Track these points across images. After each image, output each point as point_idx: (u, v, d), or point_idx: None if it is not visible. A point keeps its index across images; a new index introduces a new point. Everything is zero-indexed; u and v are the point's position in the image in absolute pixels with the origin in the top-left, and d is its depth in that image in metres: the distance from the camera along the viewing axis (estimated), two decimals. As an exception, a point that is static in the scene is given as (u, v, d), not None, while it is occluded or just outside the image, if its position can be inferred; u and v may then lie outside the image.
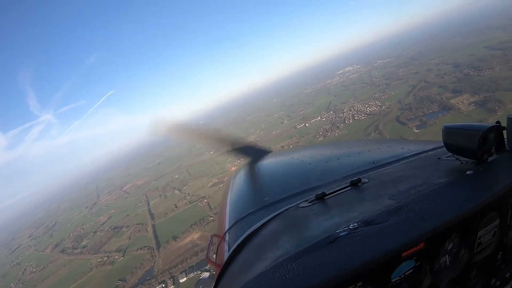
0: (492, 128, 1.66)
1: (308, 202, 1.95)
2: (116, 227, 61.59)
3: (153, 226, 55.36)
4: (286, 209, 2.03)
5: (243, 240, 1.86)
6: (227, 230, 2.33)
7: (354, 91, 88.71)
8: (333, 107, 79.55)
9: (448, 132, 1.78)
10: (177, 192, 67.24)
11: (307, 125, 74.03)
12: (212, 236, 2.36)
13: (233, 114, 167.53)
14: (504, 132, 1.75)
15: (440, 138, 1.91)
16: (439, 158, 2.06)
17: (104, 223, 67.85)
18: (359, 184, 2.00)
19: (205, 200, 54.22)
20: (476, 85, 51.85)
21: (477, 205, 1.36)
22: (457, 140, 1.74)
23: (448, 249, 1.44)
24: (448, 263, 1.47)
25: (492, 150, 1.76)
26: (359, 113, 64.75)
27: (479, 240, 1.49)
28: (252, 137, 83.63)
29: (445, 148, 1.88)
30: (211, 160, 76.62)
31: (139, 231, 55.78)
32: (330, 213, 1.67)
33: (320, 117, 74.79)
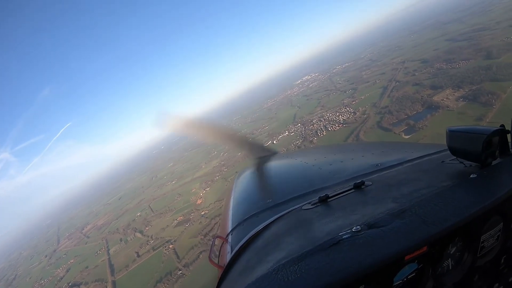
0: (496, 132, 1.65)
1: (311, 205, 1.98)
2: (74, 285, 51.43)
3: (113, 283, 46.05)
4: (289, 211, 2.05)
5: (245, 241, 1.89)
6: (230, 231, 2.35)
7: (318, 99, 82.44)
8: (300, 119, 72.71)
9: (452, 135, 1.77)
10: (138, 235, 58.00)
11: (275, 142, 65.24)
12: (215, 237, 2.41)
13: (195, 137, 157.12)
14: (508, 135, 1.75)
15: (439, 141, 2.08)
16: (443, 162, 2.06)
17: (61, 278, 57.42)
18: (363, 187, 2.00)
19: (170, 246, 45.78)
20: (456, 78, 46.65)
21: (480, 209, 1.37)
22: (461, 144, 1.74)
23: (451, 253, 1.45)
24: (451, 267, 1.48)
25: (496, 154, 1.75)
26: (331, 123, 57.26)
27: (482, 244, 1.49)
28: (216, 162, 75.98)
29: (449, 152, 1.87)
30: (174, 191, 70.77)
31: (98, 290, 45.66)
32: (333, 216, 1.70)
33: (288, 132, 67.08)
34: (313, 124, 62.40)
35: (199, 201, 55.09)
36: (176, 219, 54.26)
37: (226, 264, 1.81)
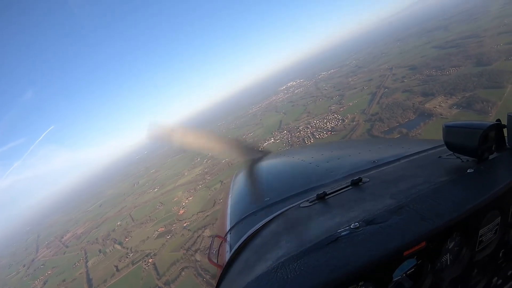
0: (492, 126, 1.67)
1: (309, 202, 1.97)
2: (50, 301, 48.65)
3: (91, 301, 43.39)
4: (287, 209, 2.05)
5: (244, 240, 1.90)
6: (228, 230, 2.35)
7: (304, 106, 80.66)
8: (286, 125, 70.46)
9: (449, 130, 1.79)
10: (118, 247, 55.46)
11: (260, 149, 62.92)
12: (213, 237, 2.41)
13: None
14: (505, 130, 1.75)
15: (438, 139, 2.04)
16: (440, 157, 2.07)
17: (38, 292, 54.94)
18: (360, 183, 2.01)
19: (150, 260, 43.57)
20: (447, 85, 45.27)
21: (478, 203, 1.38)
22: (458, 139, 1.76)
23: (450, 247, 1.46)
24: (449, 262, 1.49)
25: (493, 148, 1.77)
26: (318, 130, 54.90)
27: (480, 239, 1.50)
28: (199, 169, 74.10)
29: (445, 147, 1.88)
30: (156, 200, 68.61)
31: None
32: (331, 213, 1.71)
33: (274, 139, 64.41)
34: (299, 131, 60.15)
35: (181, 211, 53.25)
36: (157, 230, 51.79)
37: (225, 263, 1.81)
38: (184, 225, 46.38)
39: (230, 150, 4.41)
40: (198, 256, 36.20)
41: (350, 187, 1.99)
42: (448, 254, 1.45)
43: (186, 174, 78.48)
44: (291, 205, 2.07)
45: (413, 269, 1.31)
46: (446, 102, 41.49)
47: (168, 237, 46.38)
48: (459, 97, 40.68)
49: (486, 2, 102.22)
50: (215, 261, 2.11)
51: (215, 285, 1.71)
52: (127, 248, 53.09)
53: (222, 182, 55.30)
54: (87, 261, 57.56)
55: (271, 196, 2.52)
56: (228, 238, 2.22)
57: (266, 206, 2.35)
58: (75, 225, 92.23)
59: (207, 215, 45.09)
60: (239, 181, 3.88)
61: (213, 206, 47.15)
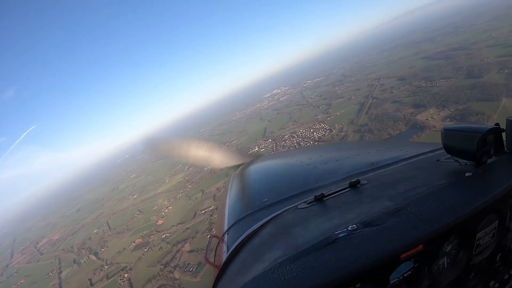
0: (491, 130, 1.66)
1: (307, 204, 1.96)
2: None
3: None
4: (285, 210, 2.04)
5: (241, 241, 1.90)
6: (226, 231, 2.35)
7: (290, 114, 78.34)
8: (271, 134, 67.80)
9: (447, 134, 1.78)
10: (93, 257, 52.25)
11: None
12: (211, 237, 2.39)
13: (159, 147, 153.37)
14: (503, 134, 1.75)
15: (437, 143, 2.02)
16: (438, 160, 2.07)
17: (9, 303, 52.10)
18: (358, 185, 2.01)
19: (125, 275, 40.55)
20: (439, 97, 43.97)
21: (476, 207, 1.39)
22: (456, 142, 1.75)
23: (447, 251, 1.46)
24: (446, 265, 1.49)
25: (491, 152, 1.75)
26: (305, 139, 52.41)
27: (478, 242, 1.50)
28: (180, 176, 71.71)
29: (444, 150, 1.87)
30: (134, 207, 65.08)
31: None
32: (328, 215, 1.71)
33: (258, 147, 61.51)
34: (285, 140, 57.50)
35: (160, 222, 50.71)
36: (134, 242, 48.62)
37: (222, 263, 1.81)
38: (163, 237, 43.99)
39: (229, 159, 4.55)
40: (177, 274, 33.63)
41: (348, 189, 1.98)
42: (445, 257, 1.46)
43: (167, 181, 75.84)
44: (289, 206, 2.05)
45: (410, 272, 1.31)
46: (439, 114, 39.99)
47: (145, 249, 43.53)
48: (452, 110, 39.36)
49: (471, 17, 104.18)
50: (212, 261, 2.10)
51: (212, 285, 1.68)
52: (103, 260, 49.77)
53: (203, 191, 53.44)
54: (60, 272, 54.29)
55: (269, 197, 2.49)
56: (226, 239, 2.20)
57: (264, 207, 2.34)
58: (52, 230, 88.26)
59: (187, 228, 42.89)
60: (237, 182, 3.75)
61: (194, 217, 45.17)
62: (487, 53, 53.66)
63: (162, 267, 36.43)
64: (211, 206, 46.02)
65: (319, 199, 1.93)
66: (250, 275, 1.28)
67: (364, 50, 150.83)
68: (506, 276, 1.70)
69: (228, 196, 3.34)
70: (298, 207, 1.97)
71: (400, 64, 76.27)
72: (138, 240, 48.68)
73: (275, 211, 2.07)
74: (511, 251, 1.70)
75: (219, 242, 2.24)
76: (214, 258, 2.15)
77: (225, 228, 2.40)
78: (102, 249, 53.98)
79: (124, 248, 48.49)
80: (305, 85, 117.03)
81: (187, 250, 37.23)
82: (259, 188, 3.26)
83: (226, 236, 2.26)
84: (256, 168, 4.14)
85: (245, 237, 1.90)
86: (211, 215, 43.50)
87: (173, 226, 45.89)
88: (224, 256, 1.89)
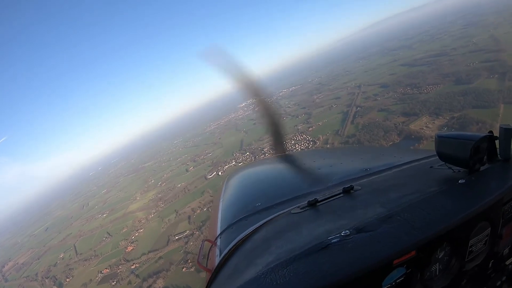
0: (484, 138, 1.67)
1: (300, 209, 1.97)
2: None
3: None
4: (278, 215, 2.04)
5: (234, 245, 1.90)
6: (219, 235, 2.34)
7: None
8: (248, 146, 63.78)
9: (441, 141, 1.80)
10: None
11: (220, 173, 55.24)
12: (203, 241, 2.39)
13: (132, 159, 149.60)
14: (496, 141, 1.75)
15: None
16: (432, 167, 2.08)
17: None
18: (352, 191, 2.00)
19: None
20: (430, 104, 41.40)
21: (468, 214, 1.40)
22: (450, 149, 1.77)
23: (439, 257, 1.46)
24: (439, 272, 1.49)
25: (484, 160, 1.77)
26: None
27: (470, 249, 1.51)
28: (152, 193, 67.50)
29: (437, 157, 1.89)
30: (103, 229, 60.02)
31: None
32: (322, 220, 1.72)
33: (235, 161, 57.26)
34: (264, 153, 52.38)
35: (129, 248, 46.54)
36: (101, 272, 43.82)
37: (214, 267, 1.81)
38: (132, 267, 39.51)
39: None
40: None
41: (341, 195, 1.98)
42: (437, 263, 1.46)
43: (138, 198, 70.62)
44: (282, 211, 2.06)
45: (402, 278, 1.30)
46: (433, 122, 37.13)
47: (113, 283, 38.96)
48: (447, 118, 36.75)
49: (444, 24, 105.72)
50: (205, 265, 2.11)
51: None
52: (67, 293, 45.63)
53: (177, 212, 49.45)
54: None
55: (262, 201, 2.49)
56: (218, 243, 2.19)
57: (257, 211, 2.33)
58: (19, 252, 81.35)
59: (160, 257, 38.60)
60: (230, 186, 3.67)
61: (167, 244, 40.78)
62: (470, 59, 52.50)
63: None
64: (186, 231, 41.55)
65: (313, 204, 1.92)
66: (243, 279, 1.28)
67: (339, 58, 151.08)
68: (498, 282, 1.70)
69: (221, 199, 3.27)
70: (292, 212, 1.96)
71: (379, 71, 74.75)
72: (106, 270, 44.28)
73: (268, 215, 2.07)
74: (503, 258, 1.70)
75: (211, 246, 2.23)
76: (207, 262, 2.14)
77: (218, 232, 2.37)
78: (67, 279, 48.76)
79: (91, 280, 43.59)
80: (280, 94, 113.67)
81: (161, 287, 32.66)
82: (253, 192, 3.22)
83: (218, 240, 2.23)
84: (250, 172, 4.18)
85: (238, 241, 1.89)
86: (186, 243, 38.79)
87: (143, 254, 41.24)
88: (217, 260, 1.88)
